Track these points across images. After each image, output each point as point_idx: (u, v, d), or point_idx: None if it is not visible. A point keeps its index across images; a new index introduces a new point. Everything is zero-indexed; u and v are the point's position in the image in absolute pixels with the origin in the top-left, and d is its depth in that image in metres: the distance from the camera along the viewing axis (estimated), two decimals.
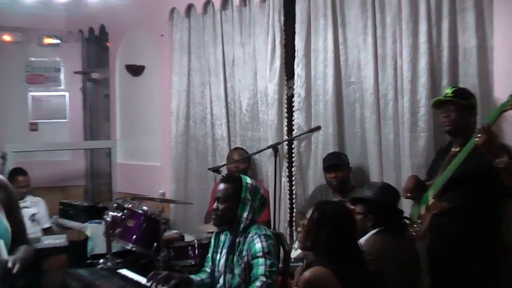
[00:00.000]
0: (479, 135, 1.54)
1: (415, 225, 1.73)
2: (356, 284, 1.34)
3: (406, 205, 1.91)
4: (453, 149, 1.76)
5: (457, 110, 1.73)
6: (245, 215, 1.62)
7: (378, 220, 1.59)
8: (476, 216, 1.66)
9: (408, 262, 1.59)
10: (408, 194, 1.76)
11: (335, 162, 2.17)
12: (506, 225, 1.75)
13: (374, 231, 1.57)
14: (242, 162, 2.56)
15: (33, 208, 2.96)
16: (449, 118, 1.73)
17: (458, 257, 1.66)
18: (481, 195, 1.66)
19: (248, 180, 1.67)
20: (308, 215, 1.44)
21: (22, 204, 2.93)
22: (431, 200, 1.71)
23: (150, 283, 1.59)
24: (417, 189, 1.76)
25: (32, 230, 2.89)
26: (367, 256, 1.44)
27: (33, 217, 2.93)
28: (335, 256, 1.35)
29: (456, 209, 1.66)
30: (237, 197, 1.62)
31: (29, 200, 2.99)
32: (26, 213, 2.91)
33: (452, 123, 1.73)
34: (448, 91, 1.76)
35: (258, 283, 1.52)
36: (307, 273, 1.35)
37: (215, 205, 1.68)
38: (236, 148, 2.67)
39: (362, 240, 1.55)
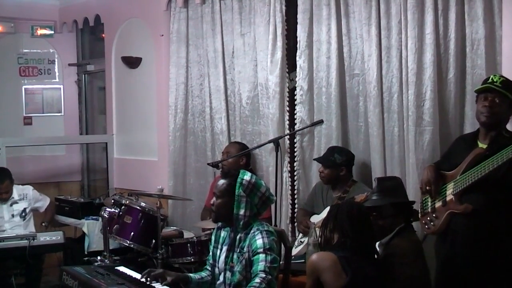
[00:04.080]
0: None
1: (429, 218, 1.65)
2: (361, 275, 1.34)
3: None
4: (480, 143, 1.66)
5: (503, 104, 1.62)
6: (241, 212, 1.59)
7: (404, 219, 1.57)
8: (500, 222, 1.59)
9: (425, 259, 1.57)
10: (428, 188, 1.66)
11: (320, 159, 2.17)
12: None
13: (396, 229, 1.54)
14: (242, 156, 2.51)
15: (23, 202, 2.80)
16: (491, 109, 1.61)
17: (479, 260, 1.59)
18: (507, 201, 1.58)
19: (246, 176, 1.62)
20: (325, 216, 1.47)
21: (10, 201, 2.74)
22: (449, 196, 1.63)
23: (144, 278, 1.55)
24: (438, 182, 1.66)
25: (23, 230, 2.76)
26: (401, 260, 1.43)
27: (24, 212, 2.80)
28: (349, 248, 1.37)
29: (480, 212, 1.58)
30: (231, 194, 1.60)
31: (16, 192, 2.81)
32: (15, 208, 2.77)
33: (493, 115, 1.61)
34: (496, 79, 1.63)
35: (257, 279, 1.50)
36: (313, 256, 1.41)
37: (212, 201, 1.67)
38: (231, 143, 2.61)
39: (385, 240, 1.53)
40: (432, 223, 1.65)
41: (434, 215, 1.66)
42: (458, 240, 1.63)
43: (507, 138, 1.58)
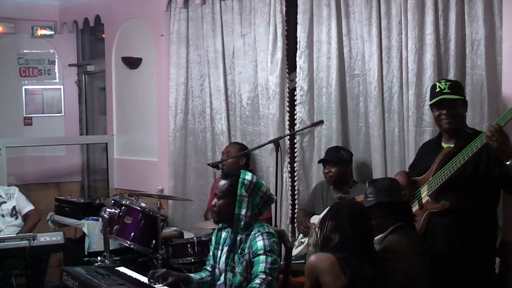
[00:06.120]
0: (493, 137, 1.48)
1: None
2: (360, 276, 1.33)
3: None
4: (444, 144, 1.71)
5: (459, 107, 1.68)
6: (243, 212, 1.59)
7: (399, 218, 1.58)
8: (475, 218, 1.63)
9: (426, 256, 1.58)
10: (402, 193, 1.70)
11: (328, 158, 2.15)
12: (507, 222, 1.74)
13: (391, 228, 1.55)
14: (242, 157, 2.51)
15: (12, 201, 2.77)
16: (451, 117, 1.66)
17: (458, 256, 1.63)
18: (479, 195, 1.63)
19: (247, 176, 1.62)
20: (324, 214, 1.46)
21: None
22: (425, 198, 1.67)
23: (148, 281, 1.55)
24: (410, 186, 1.72)
25: (18, 229, 2.74)
26: (392, 255, 1.43)
27: (14, 211, 2.76)
28: (348, 249, 1.36)
29: (457, 209, 1.62)
30: (233, 194, 1.60)
31: (2, 192, 2.78)
32: (4, 208, 2.72)
33: (455, 120, 1.67)
34: (443, 86, 1.68)
35: (257, 280, 1.50)
36: (312, 257, 1.40)
37: (213, 202, 1.66)
38: (231, 143, 2.61)
39: (379, 238, 1.53)
40: None
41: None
42: (438, 239, 1.66)
43: (470, 134, 1.62)
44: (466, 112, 1.72)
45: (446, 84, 1.68)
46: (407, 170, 2.01)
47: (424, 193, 1.68)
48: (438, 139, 1.76)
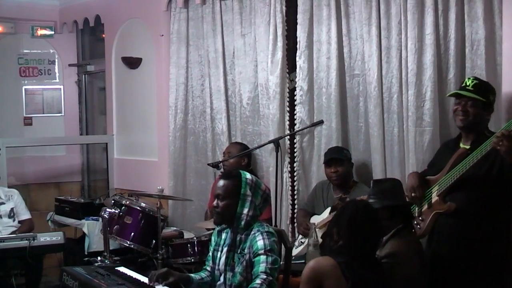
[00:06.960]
0: (500, 142, 1.46)
1: (415, 222, 1.69)
2: (362, 281, 1.32)
3: None
4: (462, 145, 1.70)
5: (476, 106, 1.65)
6: (245, 211, 1.59)
7: (400, 220, 1.57)
8: (484, 219, 1.61)
9: (424, 257, 1.58)
10: (413, 194, 1.70)
11: (336, 156, 2.15)
12: None
13: (393, 231, 1.54)
14: (244, 157, 2.51)
15: (10, 202, 2.75)
16: (465, 113, 1.66)
17: (464, 258, 1.62)
18: (489, 198, 1.61)
19: (248, 175, 1.63)
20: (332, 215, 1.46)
21: None
22: (434, 198, 1.67)
23: (149, 281, 1.55)
24: (422, 187, 1.71)
25: (13, 229, 2.72)
26: (394, 260, 1.43)
27: (12, 212, 2.75)
28: (348, 253, 1.35)
29: (463, 211, 1.61)
30: (237, 194, 1.60)
31: (1, 193, 2.76)
32: (2, 209, 2.71)
33: (467, 119, 1.66)
34: (469, 82, 1.67)
35: (258, 281, 1.50)
36: (311, 262, 1.38)
37: (215, 203, 1.65)
38: (232, 143, 2.61)
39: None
40: (418, 226, 1.67)
41: (420, 218, 1.68)
42: (443, 240, 1.66)
43: (488, 137, 1.59)
44: (488, 115, 1.69)
45: (472, 82, 1.67)
46: (406, 170, 2.02)
47: (435, 193, 1.67)
48: (457, 139, 1.74)
